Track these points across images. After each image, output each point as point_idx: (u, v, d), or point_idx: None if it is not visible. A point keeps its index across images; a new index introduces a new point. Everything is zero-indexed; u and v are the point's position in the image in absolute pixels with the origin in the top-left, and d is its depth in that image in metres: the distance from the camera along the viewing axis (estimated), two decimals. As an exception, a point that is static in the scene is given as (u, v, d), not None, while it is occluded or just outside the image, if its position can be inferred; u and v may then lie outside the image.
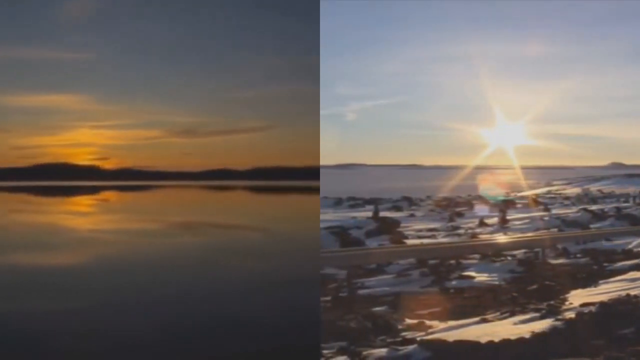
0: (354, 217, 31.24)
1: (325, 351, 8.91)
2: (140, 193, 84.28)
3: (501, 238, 23.32)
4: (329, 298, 13.34)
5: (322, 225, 26.32)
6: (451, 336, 9.07)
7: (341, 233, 22.51)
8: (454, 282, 15.04)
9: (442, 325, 10.40)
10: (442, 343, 8.65)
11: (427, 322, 10.64)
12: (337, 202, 47.55)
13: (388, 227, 25.85)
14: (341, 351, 8.80)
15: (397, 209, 42.88)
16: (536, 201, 49.89)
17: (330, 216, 34.70)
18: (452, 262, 17.61)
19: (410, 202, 48.10)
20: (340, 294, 13.72)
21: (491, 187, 63.32)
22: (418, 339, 9.09)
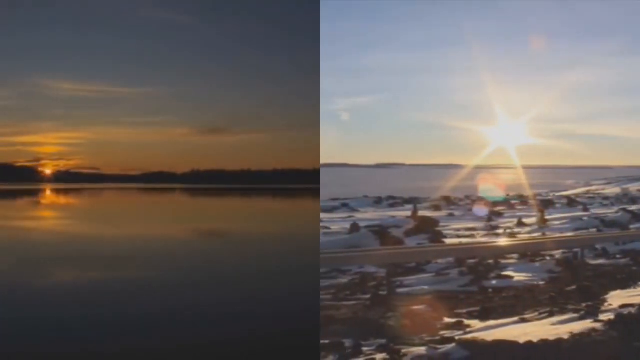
0: (393, 216, 31.13)
1: (364, 348, 8.91)
2: (139, 194, 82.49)
3: (540, 238, 22.99)
4: (368, 296, 13.34)
5: (362, 224, 26.30)
6: (490, 336, 9.00)
7: (381, 232, 22.43)
8: (492, 282, 14.88)
9: (481, 324, 10.31)
10: (481, 342, 8.58)
11: (466, 321, 10.56)
12: (377, 201, 47.43)
13: (427, 226, 25.68)
14: (380, 349, 8.78)
15: (436, 208, 42.59)
16: (575, 201, 49.08)
17: (370, 215, 34.67)
18: (491, 261, 17.43)
19: (449, 201, 47.74)
20: (380, 292, 13.69)
21: (528, 186, 62.45)
22: (456, 338, 9.04)
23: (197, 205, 54.37)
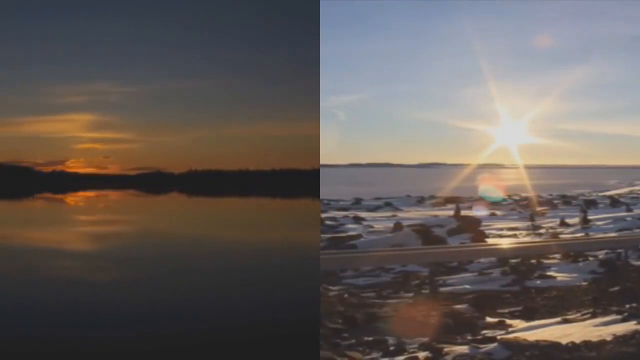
0: (435, 216, 30.92)
1: (407, 346, 8.90)
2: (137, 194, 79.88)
3: (583, 238, 22.57)
4: (411, 294, 13.31)
5: (405, 223, 26.18)
6: (532, 336, 8.90)
7: (424, 231, 22.32)
8: (535, 282, 14.69)
9: (523, 324, 10.20)
10: (523, 342, 8.49)
11: (508, 321, 10.46)
12: (420, 201, 47.15)
13: (469, 226, 25.44)
14: (423, 347, 8.75)
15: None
16: (618, 201, 47.99)
17: (413, 214, 34.49)
18: (533, 261, 17.20)
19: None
20: (423, 291, 13.64)
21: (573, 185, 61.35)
22: (498, 337, 8.96)
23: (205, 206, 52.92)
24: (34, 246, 18.93)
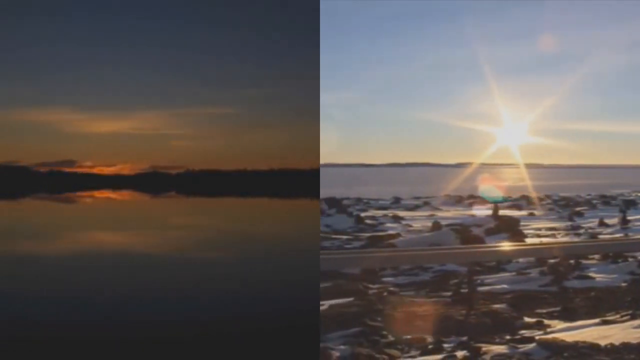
0: (473, 215, 30.60)
1: (445, 345, 8.85)
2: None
3: (622, 239, 22.08)
4: (449, 293, 13.21)
5: (443, 222, 26.00)
6: (570, 337, 8.76)
7: (462, 230, 22.13)
8: (573, 282, 14.43)
9: (561, 325, 10.04)
10: (561, 343, 8.37)
11: (546, 321, 10.30)
12: (458, 200, 46.71)
13: (507, 226, 25.12)
14: (461, 346, 8.70)
15: (517, 207, 41.55)
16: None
17: (451, 213, 34.19)
18: (572, 261, 16.89)
19: (529, 200, 46.48)
20: (461, 290, 13.52)
21: (609, 186, 60.11)
22: (537, 338, 8.84)
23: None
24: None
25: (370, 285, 13.84)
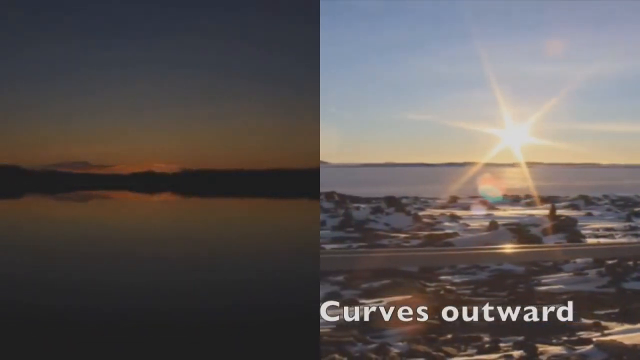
0: (530, 215, 29.95)
1: (502, 344, 8.73)
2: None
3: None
4: (506, 293, 13.00)
5: (500, 221, 25.55)
6: (628, 339, 8.50)
7: (518, 230, 21.71)
8: (631, 284, 13.97)
9: (619, 327, 9.75)
10: (619, 345, 8.13)
11: (603, 323, 10.02)
12: (515, 200, 45.80)
13: (565, 226, 24.51)
14: (518, 345, 8.56)
15: (574, 207, 40.45)
16: None
17: (508, 213, 33.58)
18: (630, 263, 16.35)
19: (586, 200, 45.18)
20: (518, 290, 13.28)
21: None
22: (594, 339, 8.62)
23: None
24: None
25: (428, 284, 13.75)
